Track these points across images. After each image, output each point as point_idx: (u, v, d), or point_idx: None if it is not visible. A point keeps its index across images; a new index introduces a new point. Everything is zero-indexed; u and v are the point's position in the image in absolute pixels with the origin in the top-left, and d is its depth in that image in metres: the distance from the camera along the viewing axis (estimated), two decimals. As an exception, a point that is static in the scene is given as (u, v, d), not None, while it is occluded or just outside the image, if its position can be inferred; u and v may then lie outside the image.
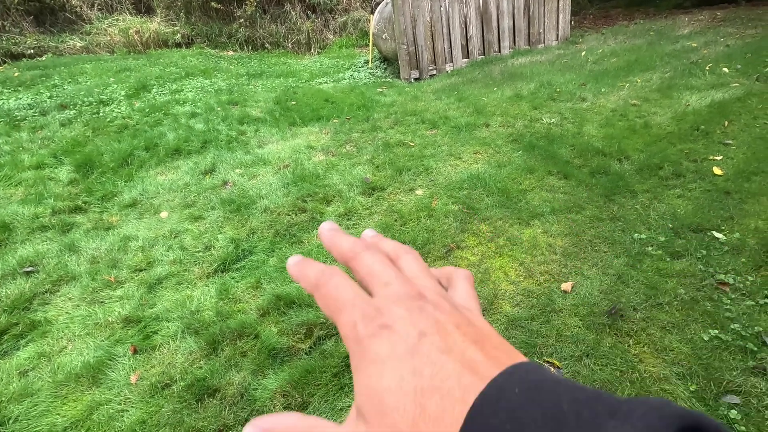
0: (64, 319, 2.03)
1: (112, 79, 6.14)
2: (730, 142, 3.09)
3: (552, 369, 1.58)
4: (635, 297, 1.86)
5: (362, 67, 7.24)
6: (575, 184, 2.76)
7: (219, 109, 4.88)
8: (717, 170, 2.75)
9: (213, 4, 8.94)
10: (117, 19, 8.85)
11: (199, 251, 2.44)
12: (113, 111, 4.90)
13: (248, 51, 9.18)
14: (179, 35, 8.94)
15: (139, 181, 3.31)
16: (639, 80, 4.61)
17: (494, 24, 6.39)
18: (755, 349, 1.57)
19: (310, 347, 1.77)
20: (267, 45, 9.28)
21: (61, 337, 1.94)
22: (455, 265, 2.14)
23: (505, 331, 1.77)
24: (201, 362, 1.75)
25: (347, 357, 1.70)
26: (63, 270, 2.34)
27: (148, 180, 3.33)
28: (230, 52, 8.94)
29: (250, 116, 4.61)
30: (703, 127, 3.35)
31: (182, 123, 4.45)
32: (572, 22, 7.73)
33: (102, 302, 2.12)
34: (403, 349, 0.21)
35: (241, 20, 9.11)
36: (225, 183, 3.21)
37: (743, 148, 2.99)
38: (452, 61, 6.32)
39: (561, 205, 2.53)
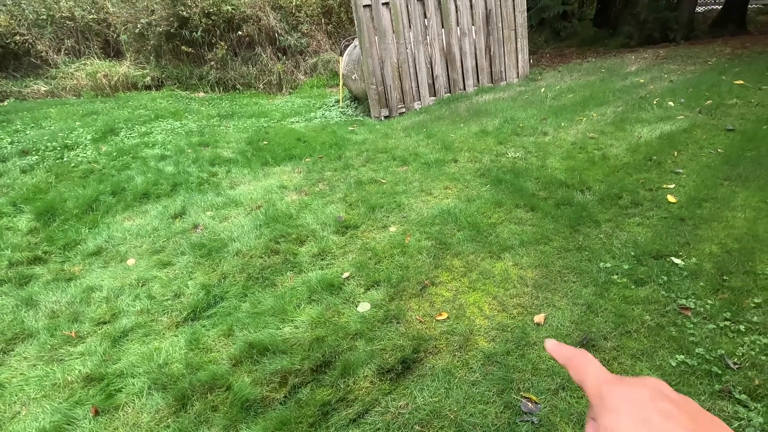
0: (18, 381, 1.90)
1: (77, 123, 6.04)
2: (681, 170, 3.30)
3: (529, 405, 1.58)
4: (605, 326, 1.91)
5: (333, 106, 7.42)
6: (542, 216, 2.86)
7: (189, 150, 4.85)
8: (671, 198, 2.91)
9: (184, 48, 9.06)
10: (85, 63, 8.81)
11: (167, 299, 2.36)
12: (78, 156, 4.80)
13: (219, 92, 9.27)
14: (149, 78, 8.96)
15: (105, 228, 3.21)
16: (595, 114, 4.91)
17: (458, 64, 6.73)
18: (719, 372, 1.63)
19: (285, 396, 1.72)
20: (238, 86, 9.41)
21: (15, 402, 1.80)
22: (431, 303, 2.15)
23: (482, 367, 1.77)
24: (169, 420, 1.66)
25: (324, 405, 1.66)
26: (18, 327, 2.21)
27: (115, 226, 3.24)
28: (201, 94, 8.99)
29: (221, 157, 4.60)
30: (655, 157, 3.57)
31: (151, 166, 4.39)
32: (531, 61, 8.23)
33: (61, 360, 2.00)
34: (636, 404, 0.27)
35: (212, 63, 9.25)
36: (195, 226, 3.16)
37: (693, 176, 3.20)
38: (420, 99, 6.56)
39: (529, 237, 2.61)
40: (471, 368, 1.77)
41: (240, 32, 9.33)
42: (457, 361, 1.81)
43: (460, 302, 2.14)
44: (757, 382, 1.58)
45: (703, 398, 1.55)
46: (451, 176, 3.63)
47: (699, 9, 11.57)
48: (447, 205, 3.09)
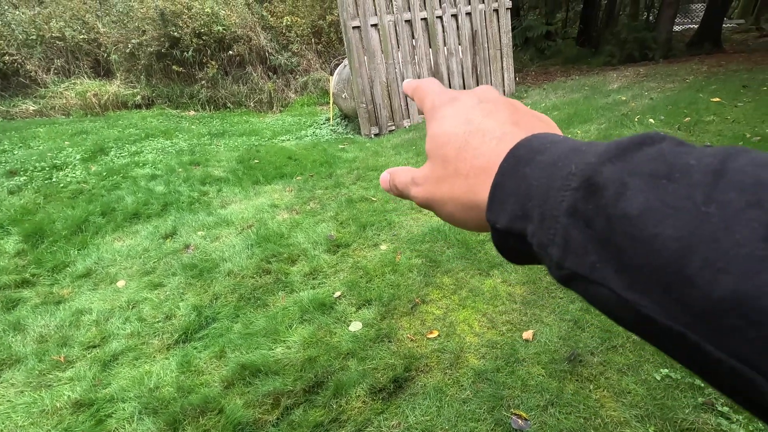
0: (5, 408, 1.87)
1: (66, 143, 6.02)
2: (662, 186, 3.40)
3: (519, 422, 1.61)
4: (591, 341, 1.95)
5: (324, 124, 7.51)
6: (529, 232, 2.92)
7: (180, 170, 4.87)
8: (653, 213, 3.00)
9: (174, 67, 9.13)
10: (74, 83, 8.83)
11: (158, 321, 2.36)
12: (67, 176, 4.78)
13: (210, 111, 9.32)
14: (139, 97, 8.99)
15: (94, 249, 3.19)
16: (579, 131, 5.05)
17: (446, 82, 6.88)
18: (702, 385, 1.68)
19: (278, 418, 1.72)
20: (229, 104, 9.48)
21: (1, 430, 1.78)
22: (422, 321, 2.18)
23: (473, 384, 1.80)
24: (160, 445, 1.65)
25: (317, 426, 1.66)
26: (6, 353, 2.18)
27: (104, 247, 3.23)
28: (192, 112, 9.04)
29: (212, 176, 4.62)
30: (637, 173, 3.68)
31: (142, 186, 4.39)
32: (516, 79, 8.45)
33: (50, 386, 1.98)
34: (461, 110, 0.30)
35: (203, 82, 9.32)
36: (186, 246, 3.16)
37: (673, 191, 3.30)
38: (409, 117, 6.68)
39: (518, 254, 2.66)
40: (462, 386, 1.79)
41: (231, 52, 9.44)
42: (448, 379, 1.83)
43: (450, 320, 2.17)
44: (738, 394, 1.63)
45: (687, 411, 1.59)
46: (440, 194, 3.70)
47: (676, 28, 12.03)
48: (437, 223, 3.14)
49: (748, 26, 14.84)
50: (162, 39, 8.94)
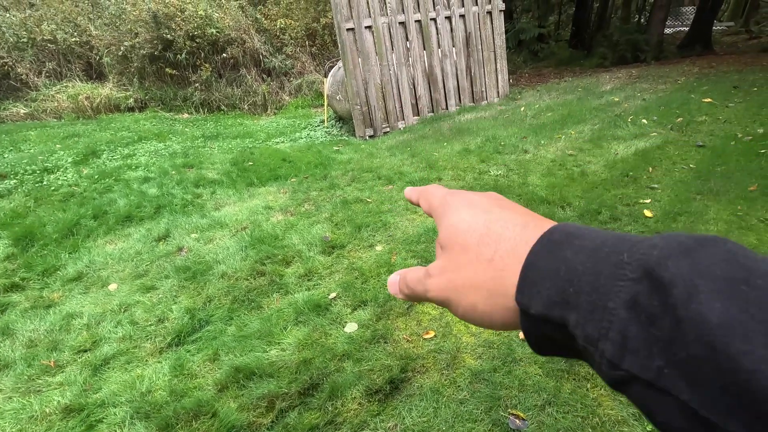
0: (-7, 414, 1.83)
1: (58, 146, 5.96)
2: (656, 186, 3.42)
3: (517, 421, 1.59)
4: (588, 340, 1.95)
5: (318, 126, 7.49)
6: (525, 232, 2.92)
7: (173, 172, 4.83)
8: (647, 213, 3.01)
9: (168, 70, 9.09)
10: (66, 86, 8.75)
11: (151, 325, 2.32)
12: (58, 179, 4.72)
13: (204, 113, 9.28)
14: (132, 99, 8.93)
15: (86, 252, 3.15)
16: (573, 132, 5.07)
17: (440, 84, 6.90)
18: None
19: (272, 421, 1.69)
20: (223, 107, 9.44)
21: (-11, 437, 1.74)
22: (418, 322, 2.16)
23: (469, 385, 1.78)
24: (152, 450, 1.62)
25: (312, 429, 1.64)
26: (-6, 357, 2.14)
27: (96, 250, 3.18)
28: (185, 115, 8.99)
29: (206, 178, 4.59)
30: (631, 173, 3.69)
31: (134, 188, 4.35)
32: (510, 81, 8.49)
33: (39, 391, 1.94)
34: (477, 202, 0.30)
35: (197, 84, 9.28)
36: (180, 249, 3.13)
37: (667, 191, 3.32)
38: (404, 119, 6.69)
39: (513, 254, 2.66)
40: (459, 386, 1.78)
41: (225, 54, 9.41)
42: (445, 380, 1.81)
43: (446, 320, 2.16)
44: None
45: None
46: (435, 194, 3.69)
47: (667, 31, 12.16)
48: (432, 224, 3.13)
49: (737, 29, 15.04)
50: (155, 41, 8.89)
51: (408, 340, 2.05)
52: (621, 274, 0.19)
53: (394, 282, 0.33)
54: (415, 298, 0.31)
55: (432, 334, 2.08)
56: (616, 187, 3.47)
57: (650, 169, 3.75)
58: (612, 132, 4.88)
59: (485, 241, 0.26)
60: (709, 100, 5.68)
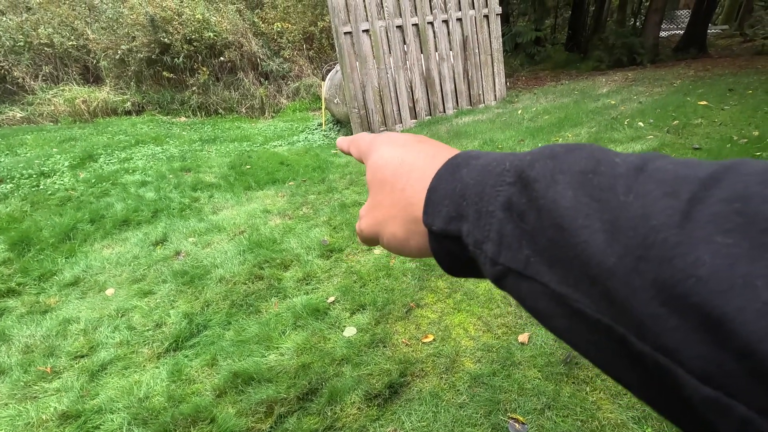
0: (-11, 421, 1.81)
1: (54, 150, 5.94)
2: (653, 188, 3.43)
3: (517, 425, 1.59)
4: (587, 343, 1.95)
5: (316, 129, 7.50)
6: (523, 235, 2.93)
7: (171, 176, 4.82)
8: (645, 215, 3.02)
9: (165, 73, 9.08)
10: (63, 89, 8.73)
11: (148, 330, 2.31)
12: (55, 183, 4.70)
13: (201, 117, 9.27)
14: (129, 103, 8.92)
15: (83, 257, 3.13)
16: (570, 135, 5.09)
17: (438, 87, 6.92)
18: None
19: (271, 427, 1.68)
20: (220, 110, 9.44)
21: (-16, 444, 1.72)
22: (417, 326, 2.16)
23: (469, 389, 1.78)
24: (150, 457, 1.60)
25: (311, 434, 1.63)
26: (-10, 364, 2.12)
27: (93, 255, 3.17)
28: (183, 119, 8.98)
29: (203, 182, 4.58)
30: (628, 176, 3.71)
31: (131, 192, 4.34)
32: (507, 84, 8.53)
33: (35, 397, 1.92)
34: (398, 140, 0.31)
35: (194, 88, 9.27)
36: (177, 253, 3.11)
37: (664, 193, 3.33)
38: (401, 122, 6.70)
39: (512, 257, 2.66)
40: (458, 390, 1.77)
41: (222, 58, 9.42)
42: (444, 384, 1.81)
43: (445, 324, 2.16)
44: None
45: (683, 412, 1.58)
46: (433, 197, 3.69)
47: (662, 34, 12.24)
48: (430, 227, 3.13)
49: (732, 32, 15.16)
50: (152, 45, 8.89)
51: (407, 344, 2.04)
52: (501, 181, 0.21)
53: (357, 228, 0.35)
54: (365, 242, 0.34)
55: (431, 337, 2.07)
56: (613, 190, 3.48)
57: (647, 171, 3.76)
58: (609, 135, 4.90)
59: (398, 172, 0.28)
60: (704, 102, 5.72)
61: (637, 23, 13.40)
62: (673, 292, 0.14)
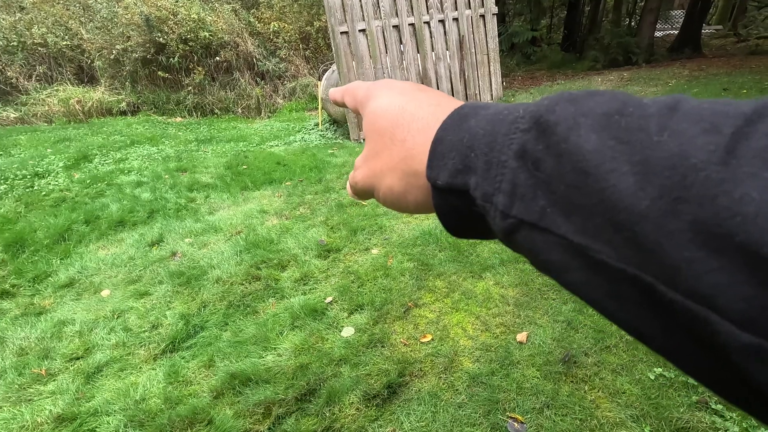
0: (-17, 425, 1.79)
1: (49, 150, 5.89)
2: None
3: (516, 425, 1.59)
4: (585, 342, 1.95)
5: (312, 129, 7.48)
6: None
7: (167, 176, 4.79)
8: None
9: (160, 73, 9.03)
10: (57, 90, 8.67)
11: (144, 331, 2.29)
12: (49, 184, 4.67)
13: (197, 117, 9.23)
14: (124, 103, 8.86)
15: (78, 258, 3.11)
16: (566, 134, 5.10)
17: (434, 87, 6.92)
18: (696, 383, 1.68)
19: (269, 428, 1.67)
20: (216, 110, 9.40)
21: (-22, 448, 1.70)
22: (415, 325, 2.15)
23: (468, 388, 1.77)
24: (146, 459, 1.59)
25: (309, 435, 1.62)
26: (-16, 366, 2.10)
27: (88, 256, 3.14)
28: (178, 119, 8.93)
29: (199, 182, 4.55)
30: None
31: (127, 193, 4.31)
32: (504, 84, 8.53)
33: (30, 400, 1.90)
34: (396, 87, 0.29)
35: (190, 88, 9.23)
36: (174, 254, 3.10)
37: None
38: (398, 122, 6.69)
39: (509, 256, 2.66)
40: (457, 390, 1.77)
41: (218, 58, 9.38)
42: (443, 384, 1.81)
43: (443, 323, 2.15)
44: (731, 391, 1.63)
45: (681, 410, 1.59)
46: (430, 197, 3.69)
47: (657, 34, 12.30)
48: (428, 226, 3.12)
49: (726, 32, 15.26)
50: (147, 45, 8.84)
51: (405, 344, 2.04)
52: (514, 128, 0.20)
53: (347, 187, 0.34)
54: (358, 195, 0.32)
55: (429, 337, 2.07)
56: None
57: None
58: (605, 134, 4.92)
59: (399, 122, 0.26)
60: (699, 102, 5.74)
61: (633, 23, 13.46)
62: (716, 231, 0.13)
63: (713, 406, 1.59)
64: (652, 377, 1.73)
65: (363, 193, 0.31)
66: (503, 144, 0.20)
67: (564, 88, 8.34)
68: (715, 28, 16.60)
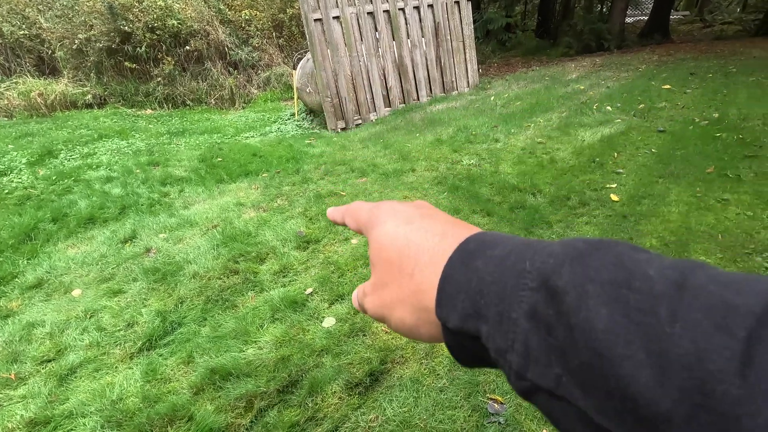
0: (-50, 433, 1.72)
1: (10, 146, 5.62)
2: (621, 171, 3.53)
3: (496, 406, 1.62)
4: (561, 322, 2.00)
5: (289, 119, 7.36)
6: (497, 220, 2.97)
7: (138, 171, 4.64)
8: (614, 197, 3.11)
9: (127, 64, 8.69)
10: (16, 82, 8.24)
11: (119, 330, 2.23)
12: (12, 181, 4.46)
13: (168, 109, 8.94)
14: (90, 96, 8.50)
15: (46, 258, 2.99)
16: (541, 120, 5.17)
17: (411, 75, 6.89)
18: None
19: (251, 421, 1.66)
20: (188, 102, 9.12)
21: (-55, 457, 1.63)
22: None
23: (449, 372, 1.80)
24: (126, 459, 1.56)
25: (292, 426, 1.62)
26: (-52, 373, 2.00)
27: (57, 255, 3.03)
28: (149, 111, 8.64)
29: (173, 176, 4.43)
30: (598, 159, 3.80)
31: (96, 189, 4.16)
32: (480, 71, 8.56)
33: (0, 406, 1.84)
34: (400, 213, 0.29)
35: (159, 79, 8.92)
36: (148, 250, 3.01)
37: (632, 175, 3.43)
38: (375, 111, 6.65)
39: (487, 242, 2.69)
40: (438, 375, 1.79)
41: (188, 47, 9.07)
42: (425, 369, 1.83)
43: (424, 310, 2.17)
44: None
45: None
46: (409, 185, 3.70)
47: (628, 20, 12.53)
48: (407, 215, 3.13)
49: (692, 17, 15.67)
50: (112, 34, 8.47)
51: (386, 332, 2.05)
52: (523, 284, 0.20)
53: (354, 298, 0.33)
54: (377, 318, 0.32)
55: (410, 324, 2.08)
56: (583, 173, 3.57)
57: (615, 154, 3.87)
58: (579, 119, 5.00)
59: (406, 253, 0.27)
60: (668, 86, 5.90)
61: (604, 9, 13.66)
62: None
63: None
64: (625, 354, 1.79)
65: (369, 315, 0.31)
66: (513, 299, 0.20)
67: (539, 74, 8.43)
68: (682, 13, 17.02)
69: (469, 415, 1.61)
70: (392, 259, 0.27)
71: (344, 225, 0.35)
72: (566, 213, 2.99)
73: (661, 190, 3.12)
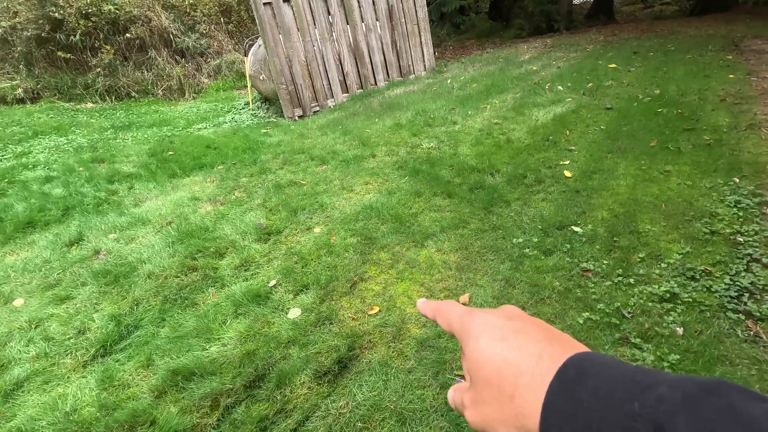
0: None
1: (-70, 148, 5.10)
2: (573, 148, 3.67)
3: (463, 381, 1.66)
4: (522, 296, 2.07)
5: (243, 108, 7.10)
6: (458, 201, 3.01)
7: (81, 168, 4.34)
8: (567, 173, 3.23)
9: (60, 53, 8.05)
10: (-68, 77, 7.45)
11: (69, 338, 2.10)
12: (-65, 186, 4.05)
13: (112, 101, 8.39)
14: (20, 90, 7.83)
15: (-20, 267, 2.75)
16: (497, 102, 5.26)
17: (367, 59, 6.80)
18: (618, 322, 1.85)
19: (218, 420, 1.62)
20: (133, 93, 8.60)
21: None
22: (362, 299, 2.16)
23: (416, 353, 1.83)
24: (84, 472, 1.48)
25: (261, 420, 1.60)
26: None
27: (-7, 264, 2.80)
28: (89, 104, 8.07)
29: (120, 173, 4.18)
30: (551, 137, 3.93)
31: (34, 190, 3.86)
32: (436, 54, 8.58)
33: (-64, 430, 1.69)
34: (494, 327, 0.30)
35: (98, 69, 8.33)
36: (97, 252, 2.84)
37: (583, 152, 3.57)
38: (333, 97, 6.53)
39: (449, 223, 2.74)
40: (406, 356, 1.81)
41: (128, 34, 8.51)
42: (392, 352, 1.84)
43: (389, 294, 2.18)
44: (647, 326, 1.82)
45: (606, 347, 1.75)
46: (370, 171, 3.67)
47: (575, 1, 12.90)
48: (369, 201, 3.12)
49: (634, -1, 16.32)
50: (40, 21, 7.80)
51: (353, 318, 2.05)
52: (633, 428, 0.20)
53: (450, 396, 0.35)
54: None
55: (377, 309, 2.09)
56: (538, 152, 3.68)
57: (567, 132, 4.01)
58: (532, 99, 5.13)
59: (504, 374, 0.28)
60: (614, 65, 6.15)
61: (553, -9, 13.95)
62: None
63: (633, 341, 1.76)
64: (581, 321, 1.88)
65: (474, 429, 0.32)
66: None
67: (493, 56, 8.56)
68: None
69: (437, 393, 1.64)
70: (491, 379, 0.28)
71: (434, 320, 0.37)
72: (523, 191, 3.08)
73: (610, 165, 3.27)
